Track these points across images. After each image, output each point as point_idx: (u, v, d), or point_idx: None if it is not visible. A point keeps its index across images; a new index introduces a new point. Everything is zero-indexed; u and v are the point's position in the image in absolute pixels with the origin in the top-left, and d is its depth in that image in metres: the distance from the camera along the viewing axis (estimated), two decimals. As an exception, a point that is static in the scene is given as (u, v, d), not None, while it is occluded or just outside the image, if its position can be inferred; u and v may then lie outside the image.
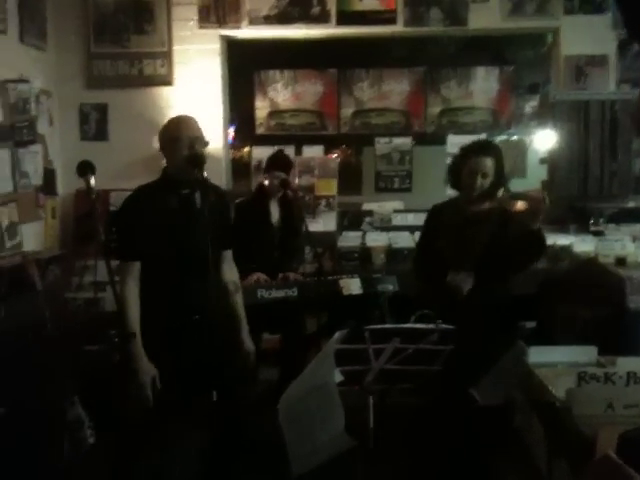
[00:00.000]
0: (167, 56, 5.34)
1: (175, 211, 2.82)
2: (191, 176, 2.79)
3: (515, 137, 6.32)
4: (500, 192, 3.38)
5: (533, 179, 5.99)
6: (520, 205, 3.34)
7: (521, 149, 6.19)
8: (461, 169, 3.32)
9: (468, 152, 3.34)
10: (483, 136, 6.11)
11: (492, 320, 3.12)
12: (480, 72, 6.54)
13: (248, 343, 3.02)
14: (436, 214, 3.50)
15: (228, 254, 3.04)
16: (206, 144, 2.87)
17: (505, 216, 3.31)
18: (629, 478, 1.41)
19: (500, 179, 3.32)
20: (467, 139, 6.01)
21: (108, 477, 3.20)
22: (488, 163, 3.25)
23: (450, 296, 3.17)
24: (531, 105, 6.92)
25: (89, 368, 3.64)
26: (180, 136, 2.80)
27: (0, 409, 2.99)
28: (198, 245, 2.74)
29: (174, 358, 2.77)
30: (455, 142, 6.06)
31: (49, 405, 3.28)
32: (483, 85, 6.54)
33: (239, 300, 3.04)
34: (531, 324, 4.12)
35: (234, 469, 2.90)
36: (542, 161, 6.04)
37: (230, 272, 3.04)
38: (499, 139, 6.23)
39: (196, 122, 2.89)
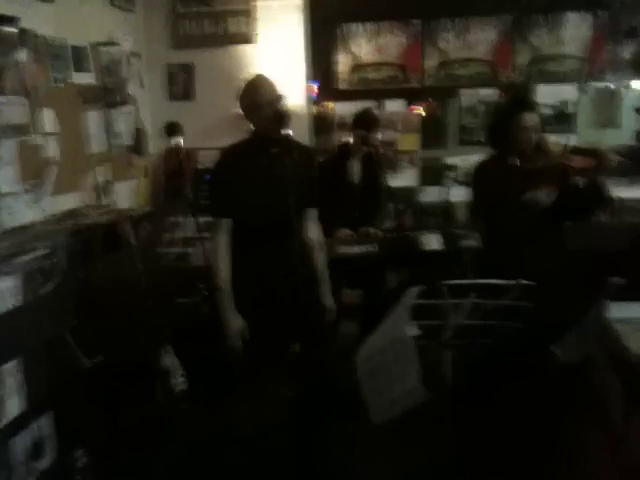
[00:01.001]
0: (250, 13, 5.38)
1: (265, 170, 2.88)
2: (277, 135, 2.84)
3: (609, 86, 6.02)
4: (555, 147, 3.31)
5: (627, 130, 5.74)
6: (580, 160, 3.24)
7: (615, 99, 5.92)
8: (509, 126, 3.24)
9: (515, 109, 3.27)
10: (574, 85, 5.92)
11: (567, 276, 3.07)
12: (572, 18, 6.22)
13: (329, 301, 3.09)
14: (484, 173, 3.44)
15: (313, 212, 3.09)
16: (285, 101, 2.91)
17: (566, 171, 3.24)
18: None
19: (543, 134, 3.28)
20: (557, 89, 5.90)
21: (198, 422, 3.40)
22: (536, 119, 3.22)
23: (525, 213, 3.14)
24: (627, 52, 6.55)
25: (180, 319, 3.82)
26: (259, 100, 2.84)
27: (99, 357, 3.20)
28: (285, 203, 2.82)
29: (261, 311, 2.88)
30: (545, 92, 5.89)
31: (143, 354, 3.48)
32: (575, 32, 6.21)
33: (322, 258, 3.09)
34: (619, 280, 4.01)
35: (316, 418, 3.01)
36: (638, 111, 5.78)
37: (314, 230, 3.10)
38: (592, 88, 5.98)
39: (271, 81, 2.92)
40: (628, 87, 5.86)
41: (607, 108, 5.90)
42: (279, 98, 2.88)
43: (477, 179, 3.48)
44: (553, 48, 6.24)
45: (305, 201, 3.00)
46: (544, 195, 3.12)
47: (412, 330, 2.47)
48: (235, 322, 2.86)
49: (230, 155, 3.01)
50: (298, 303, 2.86)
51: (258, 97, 2.85)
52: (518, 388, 3.09)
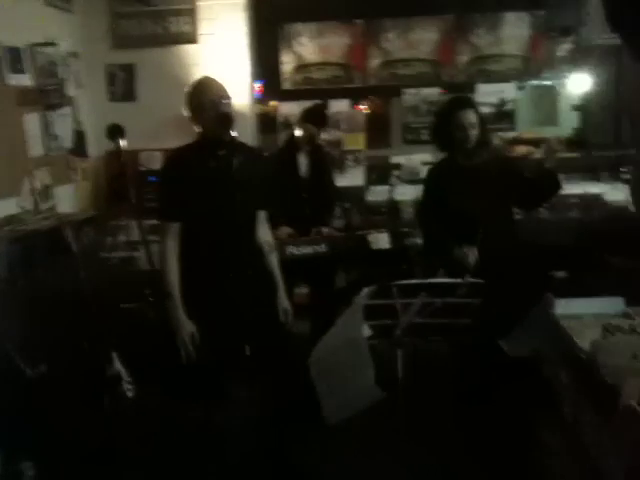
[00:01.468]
0: (192, 13, 5.30)
1: (213, 172, 2.84)
2: (224, 137, 2.81)
3: (547, 83, 6.18)
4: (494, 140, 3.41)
5: (565, 127, 5.89)
6: (522, 149, 3.35)
7: (553, 96, 6.07)
8: (449, 127, 3.30)
9: (452, 109, 3.35)
10: (513, 84, 6.06)
11: (515, 270, 3.13)
12: (510, 18, 6.37)
13: (284, 302, 3.08)
14: (437, 176, 3.49)
15: (262, 214, 3.07)
16: (231, 102, 2.87)
17: (508, 162, 3.32)
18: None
19: (485, 129, 3.37)
20: (497, 88, 6.01)
21: (147, 430, 3.33)
22: (473, 115, 3.29)
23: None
24: (564, 50, 6.72)
25: (126, 325, 3.74)
26: (205, 100, 2.81)
27: (41, 366, 3.10)
28: (235, 205, 2.80)
29: (212, 315, 2.84)
30: (485, 91, 6.00)
31: (88, 362, 3.39)
32: (514, 31, 6.37)
33: (274, 260, 3.08)
34: (562, 274, 4.11)
35: (270, 420, 2.99)
36: (575, 108, 5.93)
37: (265, 232, 3.07)
38: (530, 86, 6.11)
39: (218, 82, 2.89)
40: (565, 85, 6.01)
41: (545, 106, 6.05)
42: (227, 99, 2.84)
43: (430, 182, 3.52)
44: (493, 47, 6.37)
45: (255, 203, 2.98)
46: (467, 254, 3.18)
47: (365, 330, 2.48)
48: (186, 326, 2.82)
49: (177, 158, 2.96)
50: (252, 305, 2.84)
51: (205, 99, 2.81)
52: (472, 383, 3.14)
